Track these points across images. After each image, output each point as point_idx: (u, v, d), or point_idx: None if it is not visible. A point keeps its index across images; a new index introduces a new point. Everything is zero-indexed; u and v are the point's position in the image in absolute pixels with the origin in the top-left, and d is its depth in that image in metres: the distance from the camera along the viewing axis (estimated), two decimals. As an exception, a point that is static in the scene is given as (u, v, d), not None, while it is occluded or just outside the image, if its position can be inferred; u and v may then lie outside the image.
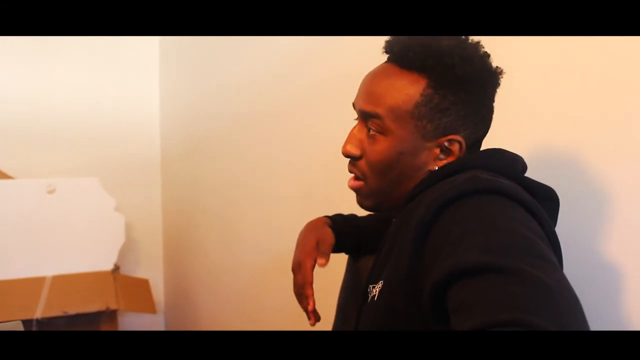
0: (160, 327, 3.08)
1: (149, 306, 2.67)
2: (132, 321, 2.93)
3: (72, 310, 2.39)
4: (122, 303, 2.50)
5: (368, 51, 1.37)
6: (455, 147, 0.86)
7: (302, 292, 1.03)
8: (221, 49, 2.38)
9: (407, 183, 0.88)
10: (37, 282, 2.45)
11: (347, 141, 0.91)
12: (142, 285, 2.73)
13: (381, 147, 0.87)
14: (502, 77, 0.89)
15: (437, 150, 0.86)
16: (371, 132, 0.88)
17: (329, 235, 1.07)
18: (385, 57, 0.91)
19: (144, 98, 3.05)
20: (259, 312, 2.13)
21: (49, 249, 2.52)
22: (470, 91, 0.85)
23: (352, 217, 1.18)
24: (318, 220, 1.13)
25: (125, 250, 2.70)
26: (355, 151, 0.90)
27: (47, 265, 2.50)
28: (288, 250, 1.90)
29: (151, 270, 3.02)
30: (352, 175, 0.94)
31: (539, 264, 0.63)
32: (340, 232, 1.11)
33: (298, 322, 1.80)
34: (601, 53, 0.96)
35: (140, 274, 2.95)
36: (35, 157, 2.78)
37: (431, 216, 0.74)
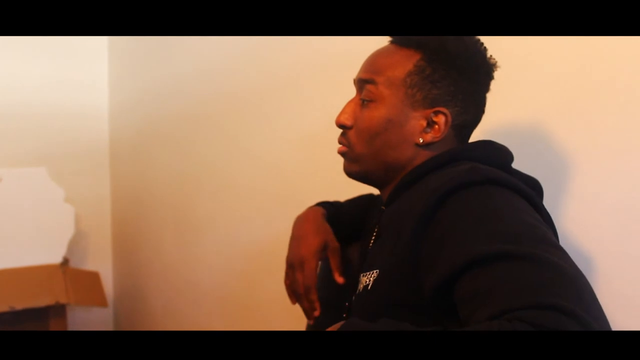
0: (109, 320, 3.01)
1: (99, 300, 2.60)
2: (81, 315, 2.84)
3: (19, 306, 2.30)
4: (72, 297, 2.42)
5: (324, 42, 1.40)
6: (441, 120, 0.87)
7: (301, 292, 1.02)
8: (172, 37, 2.34)
9: (391, 153, 0.90)
10: (-18, 276, 2.34)
11: (341, 112, 0.95)
12: (93, 279, 2.66)
13: (371, 113, 0.90)
14: (496, 70, 0.92)
15: (424, 122, 0.89)
16: (365, 102, 0.92)
17: (335, 242, 1.06)
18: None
19: (92, 86, 2.94)
20: (214, 304, 2.11)
21: (-6, 241, 2.42)
22: (462, 70, 0.88)
23: (340, 205, 1.17)
24: (316, 213, 1.11)
25: (73, 243, 2.61)
26: (347, 121, 0.94)
27: (-8, 258, 2.39)
28: (243, 243, 1.92)
29: (99, 262, 2.93)
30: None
31: (551, 250, 0.64)
32: (332, 223, 1.10)
33: (257, 315, 1.81)
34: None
35: (88, 266, 2.86)
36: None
37: (433, 205, 0.74)
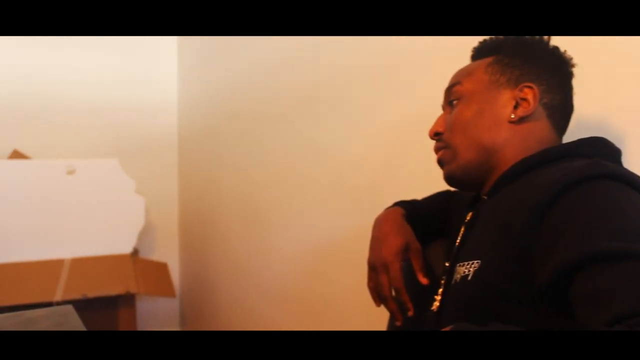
0: (175, 311, 3.06)
1: (168, 290, 2.64)
2: (148, 305, 2.90)
3: (91, 294, 2.36)
4: (141, 287, 2.47)
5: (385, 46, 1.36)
6: (529, 95, 0.88)
7: (387, 294, 1.01)
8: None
9: (487, 135, 0.90)
10: (56, 264, 2.41)
11: (433, 125, 0.98)
12: (161, 269, 2.70)
13: (461, 108, 0.93)
14: (573, 67, 0.93)
15: (513, 101, 0.90)
16: (453, 103, 0.95)
17: (417, 243, 1.05)
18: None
19: (162, 82, 3.01)
20: (282, 301, 2.10)
21: (68, 231, 2.49)
22: (541, 58, 0.91)
23: (417, 203, 1.16)
24: (396, 214, 1.10)
25: (141, 233, 2.66)
26: (440, 127, 0.96)
27: (66, 247, 2.46)
28: (312, 240, 1.90)
29: (167, 253, 2.99)
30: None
31: None
32: (411, 223, 1.09)
33: (325, 313, 1.78)
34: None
35: (156, 257, 2.92)
36: (53, 138, 2.74)
37: (551, 198, 0.71)
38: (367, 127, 1.63)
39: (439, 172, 1.09)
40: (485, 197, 0.91)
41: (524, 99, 0.88)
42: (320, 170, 1.87)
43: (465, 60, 1.02)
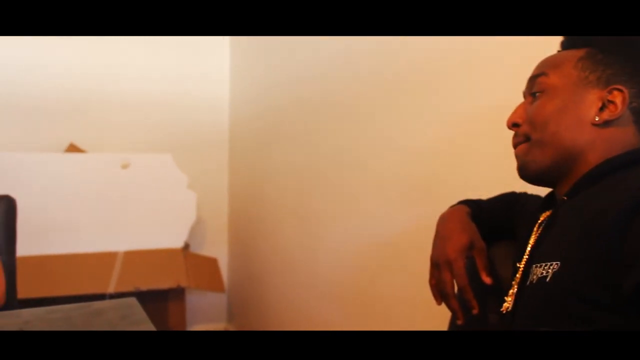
0: (223, 306, 3.08)
1: (217, 285, 2.65)
2: (197, 299, 2.92)
3: (143, 287, 2.39)
4: (192, 281, 2.49)
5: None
6: (618, 98, 0.84)
7: (449, 292, 1.00)
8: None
9: (568, 135, 0.87)
10: (110, 257, 2.45)
11: (511, 114, 0.95)
12: (211, 264, 2.72)
13: (544, 102, 0.89)
14: None
15: (599, 103, 0.85)
16: (536, 95, 0.91)
17: (481, 241, 1.04)
18: None
19: (214, 80, 3.04)
20: (332, 299, 2.08)
21: (121, 224, 2.52)
22: (638, 58, 0.85)
23: (482, 202, 1.14)
24: (461, 212, 1.08)
25: (192, 228, 2.68)
26: (519, 119, 0.93)
27: (119, 240, 2.50)
28: (365, 238, 1.88)
29: (215, 248, 3.00)
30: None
31: None
32: (476, 222, 1.08)
33: (377, 312, 1.76)
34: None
35: (205, 252, 2.94)
36: (109, 132, 2.78)
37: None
38: (425, 123, 1.60)
39: (500, 170, 1.06)
40: (565, 198, 0.87)
41: (612, 102, 0.84)
42: (374, 167, 1.84)
43: (529, 57, 0.99)
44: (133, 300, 1.05)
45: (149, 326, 0.91)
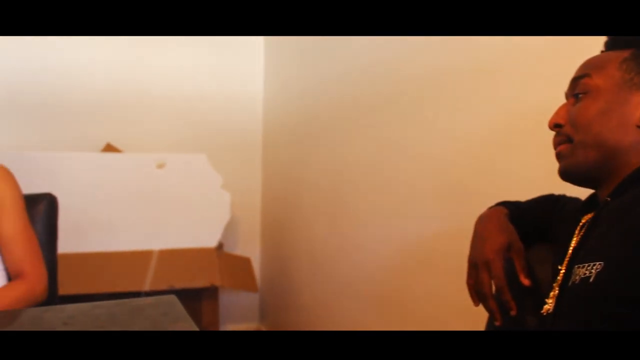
0: (255, 306, 3.09)
1: (250, 285, 2.67)
2: (230, 298, 2.94)
3: (178, 285, 2.42)
4: (225, 280, 2.51)
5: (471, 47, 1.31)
6: None
7: (487, 292, 0.99)
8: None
9: (612, 137, 0.87)
10: (145, 255, 2.48)
11: (553, 115, 0.94)
12: (245, 264, 2.74)
13: (587, 103, 0.89)
14: None
15: None
16: (579, 96, 0.91)
17: (519, 242, 1.03)
18: None
19: (249, 80, 3.05)
20: (365, 300, 2.08)
21: (156, 223, 2.55)
22: None
23: (520, 204, 1.13)
24: (500, 213, 1.08)
25: (226, 228, 2.70)
26: (561, 120, 0.93)
27: (154, 239, 2.53)
28: (399, 239, 1.87)
29: (248, 248, 3.02)
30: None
31: None
32: (514, 223, 1.07)
33: (414, 313, 1.74)
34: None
35: (238, 252, 2.96)
36: (144, 132, 2.82)
37: None
38: (463, 127, 1.59)
39: (536, 174, 1.05)
40: (608, 199, 0.86)
41: None
42: (408, 169, 1.84)
43: (564, 61, 0.98)
44: (173, 298, 1.07)
45: (190, 323, 0.92)
